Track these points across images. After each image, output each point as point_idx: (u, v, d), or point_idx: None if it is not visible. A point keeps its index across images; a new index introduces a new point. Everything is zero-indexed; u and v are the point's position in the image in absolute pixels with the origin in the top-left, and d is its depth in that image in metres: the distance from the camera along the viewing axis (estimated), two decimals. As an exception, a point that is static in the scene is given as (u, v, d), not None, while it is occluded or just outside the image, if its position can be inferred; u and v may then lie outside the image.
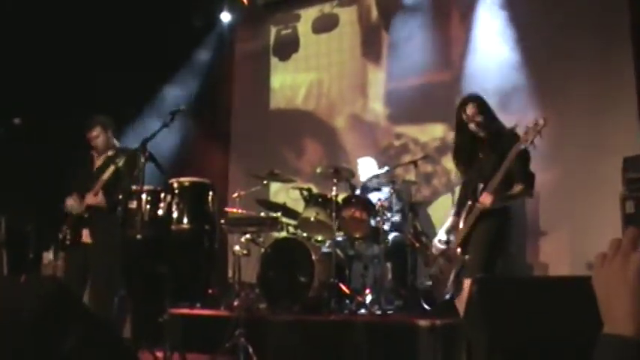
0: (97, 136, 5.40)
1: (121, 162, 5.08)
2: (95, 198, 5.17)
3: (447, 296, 4.40)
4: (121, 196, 5.45)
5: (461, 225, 4.34)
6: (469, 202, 4.33)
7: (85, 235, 5.21)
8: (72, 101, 6.61)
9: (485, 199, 4.12)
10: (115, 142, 5.53)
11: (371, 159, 6.64)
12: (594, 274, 0.88)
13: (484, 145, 4.40)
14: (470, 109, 4.37)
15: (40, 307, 2.37)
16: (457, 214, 4.52)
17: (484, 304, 1.92)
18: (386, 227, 5.71)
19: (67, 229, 5.18)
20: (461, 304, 4.13)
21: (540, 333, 1.78)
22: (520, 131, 4.16)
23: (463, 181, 4.69)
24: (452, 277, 4.32)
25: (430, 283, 4.84)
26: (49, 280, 4.63)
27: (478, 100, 4.42)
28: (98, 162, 5.46)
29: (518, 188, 4.20)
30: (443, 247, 4.48)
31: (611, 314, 0.84)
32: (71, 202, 5.19)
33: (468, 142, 4.48)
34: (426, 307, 5.45)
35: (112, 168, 5.10)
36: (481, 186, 4.26)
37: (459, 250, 4.29)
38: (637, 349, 0.79)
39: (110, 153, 5.41)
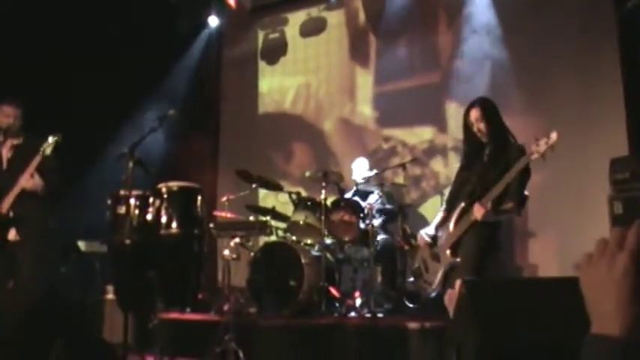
0: (9, 115, 4.97)
1: (48, 150, 4.75)
2: (31, 180, 4.81)
3: (433, 294, 4.40)
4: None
5: (451, 226, 4.31)
6: (462, 204, 4.27)
7: (12, 234, 4.88)
8: (57, 108, 6.56)
9: (478, 212, 4.06)
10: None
11: (364, 159, 6.61)
12: (581, 275, 0.89)
13: (490, 152, 4.29)
14: (473, 114, 4.28)
15: (27, 317, 2.36)
16: (448, 211, 4.48)
17: (474, 305, 1.92)
18: (375, 230, 5.72)
19: None
20: (450, 304, 4.11)
21: (529, 333, 1.78)
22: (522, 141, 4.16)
23: (459, 177, 4.57)
24: (439, 275, 4.32)
25: (412, 279, 4.81)
26: (33, 288, 4.60)
27: (483, 105, 4.31)
28: (7, 152, 5.04)
29: (508, 205, 4.11)
30: (428, 239, 4.47)
31: (598, 314, 0.84)
32: None
33: (472, 146, 4.39)
34: (410, 305, 5.46)
35: (38, 158, 4.74)
36: (477, 191, 4.23)
37: (449, 252, 4.28)
38: (624, 349, 0.79)
39: (18, 141, 5.00)
